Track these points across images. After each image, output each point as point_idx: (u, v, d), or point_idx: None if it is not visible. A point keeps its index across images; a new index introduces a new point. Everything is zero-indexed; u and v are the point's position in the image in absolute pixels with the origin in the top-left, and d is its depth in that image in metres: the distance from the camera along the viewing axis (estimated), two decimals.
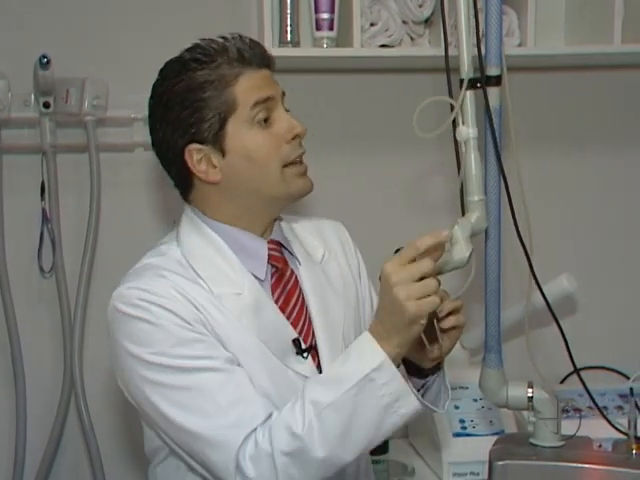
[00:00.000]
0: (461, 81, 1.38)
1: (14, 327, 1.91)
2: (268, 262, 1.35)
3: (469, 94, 1.37)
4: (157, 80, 1.34)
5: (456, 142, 1.38)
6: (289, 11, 1.80)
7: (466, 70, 1.35)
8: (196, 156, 1.30)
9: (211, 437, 1.20)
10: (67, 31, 1.87)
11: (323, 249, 1.45)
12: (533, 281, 1.45)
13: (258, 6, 1.84)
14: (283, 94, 1.35)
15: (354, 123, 2.01)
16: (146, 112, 1.86)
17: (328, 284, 1.41)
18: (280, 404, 1.26)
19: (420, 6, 1.83)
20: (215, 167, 1.30)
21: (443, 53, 1.77)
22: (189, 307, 1.25)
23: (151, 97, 1.34)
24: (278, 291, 1.36)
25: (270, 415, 1.22)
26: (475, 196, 1.34)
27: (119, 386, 1.90)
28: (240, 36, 1.32)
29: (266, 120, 1.30)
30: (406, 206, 2.04)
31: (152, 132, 1.35)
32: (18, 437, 1.92)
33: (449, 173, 1.96)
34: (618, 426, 1.58)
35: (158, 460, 1.36)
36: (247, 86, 1.28)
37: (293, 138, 1.31)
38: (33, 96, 1.87)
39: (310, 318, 1.36)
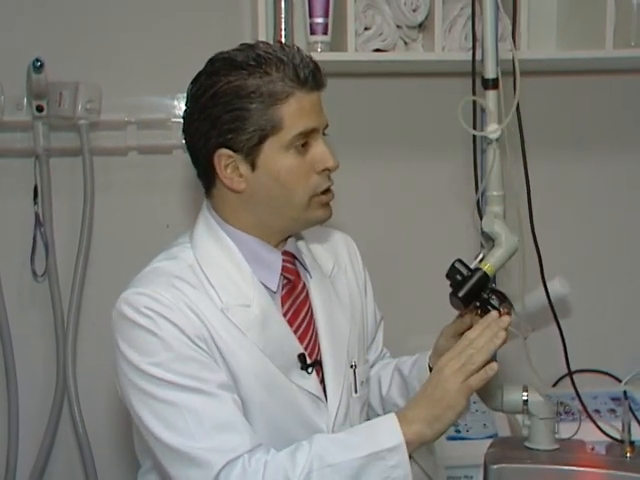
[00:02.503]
0: (485, 81, 1.45)
1: (7, 331, 1.90)
2: (281, 274, 1.33)
3: (491, 94, 1.43)
4: (204, 71, 1.28)
5: (474, 141, 1.49)
6: (283, 15, 1.80)
7: (491, 71, 1.44)
8: (225, 161, 1.27)
9: (191, 455, 1.19)
10: (60, 35, 1.87)
11: (333, 262, 1.44)
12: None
13: (252, 10, 1.84)
14: (326, 126, 1.31)
15: (347, 126, 2.01)
16: (140, 116, 1.90)
17: (336, 298, 1.40)
18: (280, 420, 1.26)
19: (414, 11, 1.84)
20: (241, 176, 1.27)
21: (438, 58, 1.80)
22: (194, 321, 1.23)
23: (194, 85, 1.29)
24: (288, 303, 1.34)
25: (257, 447, 1.20)
26: (494, 191, 1.44)
27: (112, 390, 1.90)
28: (299, 49, 1.27)
29: (303, 145, 1.27)
30: (411, 209, 2.04)
31: (187, 122, 1.30)
32: (10, 441, 1.91)
33: (451, 176, 1.99)
34: (609, 431, 1.59)
35: (145, 469, 1.37)
36: (296, 109, 1.24)
37: (324, 170, 1.29)
38: (26, 99, 1.87)
39: (317, 332, 1.35)
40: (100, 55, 1.89)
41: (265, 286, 1.31)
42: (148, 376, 1.21)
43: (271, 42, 1.78)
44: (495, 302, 1.44)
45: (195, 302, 1.25)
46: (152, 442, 1.23)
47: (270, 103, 1.23)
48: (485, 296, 1.42)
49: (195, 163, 1.33)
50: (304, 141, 1.26)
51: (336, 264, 1.45)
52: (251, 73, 1.24)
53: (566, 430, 1.57)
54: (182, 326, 1.22)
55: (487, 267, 1.44)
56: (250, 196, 1.29)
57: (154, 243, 1.93)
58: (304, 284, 1.37)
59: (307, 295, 1.36)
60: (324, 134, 1.31)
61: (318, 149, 1.28)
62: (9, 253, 1.91)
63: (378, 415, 1.44)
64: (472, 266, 1.43)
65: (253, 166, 1.27)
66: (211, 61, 1.29)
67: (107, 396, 1.94)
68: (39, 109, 1.84)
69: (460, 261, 1.44)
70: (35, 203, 1.90)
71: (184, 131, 1.32)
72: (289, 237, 1.37)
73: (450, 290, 1.44)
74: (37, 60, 1.77)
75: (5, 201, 1.90)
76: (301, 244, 1.41)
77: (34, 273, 1.92)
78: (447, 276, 1.44)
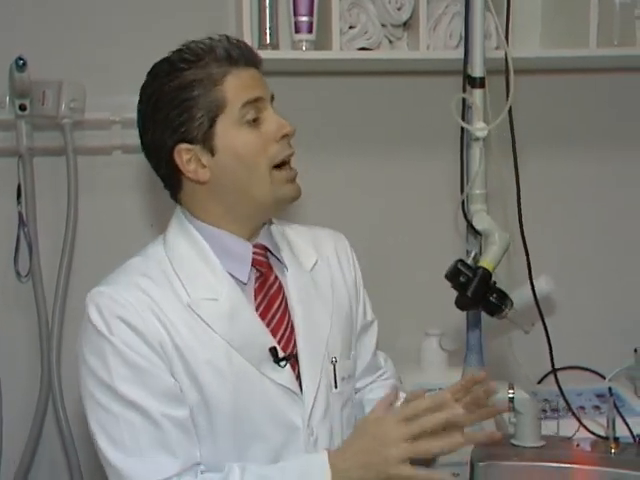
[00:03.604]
0: (471, 79, 1.47)
1: None
2: (252, 266, 1.34)
3: (478, 93, 1.44)
4: (146, 81, 1.33)
5: (462, 139, 1.49)
6: (268, 13, 1.80)
7: (478, 69, 1.46)
8: (185, 156, 1.29)
9: (119, 469, 1.23)
10: (43, 33, 1.86)
11: (315, 257, 1.44)
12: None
13: (237, 8, 1.84)
14: (272, 97, 1.34)
15: (333, 125, 2.01)
16: (124, 115, 1.88)
17: (316, 292, 1.40)
18: (250, 414, 1.28)
19: (398, 9, 1.84)
20: (204, 167, 1.30)
21: (423, 56, 1.80)
22: (152, 323, 1.25)
23: (140, 98, 1.34)
24: (260, 296, 1.35)
25: (188, 470, 1.23)
26: (477, 189, 1.46)
27: None
28: (227, 36, 1.32)
29: (255, 120, 1.30)
30: (398, 207, 2.04)
31: (141, 133, 1.34)
32: None
33: (437, 175, 1.99)
34: (593, 428, 1.60)
35: None
36: (236, 85, 1.28)
37: (282, 137, 1.31)
38: (8, 98, 1.85)
39: (292, 326, 1.35)
40: (84, 54, 1.87)
41: (236, 279, 1.32)
42: (97, 379, 1.25)
43: (255, 40, 1.81)
44: (496, 300, 1.45)
45: (158, 301, 1.27)
46: (96, 447, 1.26)
47: (211, 86, 1.28)
48: (487, 294, 1.43)
49: (156, 168, 1.36)
50: (255, 115, 1.29)
51: (319, 259, 1.44)
52: (186, 67, 1.29)
53: (551, 427, 1.58)
54: (138, 327, 1.24)
55: (487, 265, 1.45)
56: (216, 184, 1.31)
57: (138, 243, 1.92)
58: (276, 276, 1.37)
59: (280, 288, 1.36)
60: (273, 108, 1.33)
61: (270, 118, 1.31)
62: None
63: None
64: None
65: (212, 152, 1.29)
66: (149, 71, 1.34)
67: None
68: (22, 108, 1.82)
69: (462, 261, 1.45)
70: (18, 203, 1.88)
71: (141, 139, 1.35)
72: (264, 227, 1.38)
73: (448, 290, 1.45)
74: (20, 58, 1.76)
75: None
76: (279, 238, 1.41)
77: (18, 273, 1.91)
78: (447, 277, 1.45)
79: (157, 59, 1.85)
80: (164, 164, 1.32)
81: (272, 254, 1.38)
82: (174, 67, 1.30)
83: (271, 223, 1.42)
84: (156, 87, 1.30)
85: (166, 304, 1.27)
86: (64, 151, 1.86)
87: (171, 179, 1.34)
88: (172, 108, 1.28)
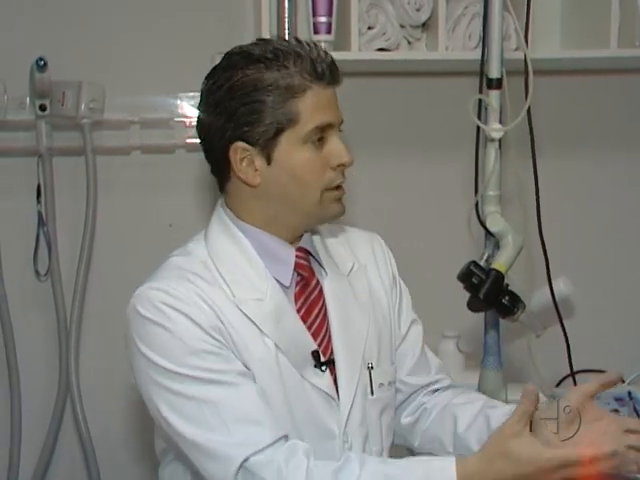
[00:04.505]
0: (488, 80, 1.42)
1: (9, 331, 1.90)
2: (294, 270, 1.33)
3: (494, 94, 1.43)
4: (220, 65, 1.28)
5: (477, 141, 1.48)
6: (287, 14, 1.80)
7: (495, 71, 1.45)
8: (240, 154, 1.26)
9: (210, 449, 1.19)
10: (64, 34, 1.87)
11: (352, 261, 1.42)
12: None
13: (256, 9, 1.84)
14: (341, 122, 1.31)
15: (350, 125, 1.99)
16: (143, 115, 1.89)
17: (354, 297, 1.38)
18: (290, 416, 1.25)
19: (417, 10, 1.83)
20: (256, 170, 1.27)
21: (442, 57, 1.80)
22: (209, 314, 1.23)
23: (209, 79, 1.29)
24: (301, 300, 1.33)
25: (280, 439, 1.18)
26: (491, 191, 1.45)
27: (115, 390, 1.91)
28: (315, 44, 1.28)
29: (320, 139, 1.27)
30: (413, 208, 2.03)
31: (203, 115, 1.30)
32: (13, 441, 1.91)
33: (453, 176, 1.98)
34: None
35: (165, 462, 1.36)
36: (313, 103, 1.24)
37: (338, 166, 1.29)
38: (29, 99, 1.86)
39: (330, 331, 1.33)
40: (103, 54, 1.88)
41: (279, 281, 1.31)
42: (164, 370, 1.21)
43: None
44: (508, 302, 1.44)
45: (210, 295, 1.24)
46: (174, 436, 1.23)
47: (287, 96, 1.23)
48: (499, 296, 1.43)
49: (209, 158, 1.33)
50: (320, 136, 1.26)
51: (356, 263, 1.42)
52: (268, 67, 1.24)
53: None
54: (196, 318, 1.22)
55: (500, 267, 1.45)
56: (264, 191, 1.28)
57: (157, 242, 1.94)
58: (318, 281, 1.35)
59: (321, 293, 1.35)
60: (340, 130, 1.31)
61: (334, 145, 1.28)
62: (12, 252, 1.90)
63: (447, 451, 1.38)
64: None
65: (269, 160, 1.27)
66: (227, 55, 1.29)
67: (110, 396, 1.94)
68: (42, 108, 1.84)
69: (475, 263, 1.44)
70: (38, 202, 1.89)
71: (198, 126, 1.32)
72: (304, 233, 1.36)
73: (461, 292, 1.44)
74: (40, 59, 1.77)
75: (8, 200, 1.90)
76: (317, 242, 1.39)
77: (37, 272, 1.92)
78: (459, 278, 1.44)
79: (176, 60, 1.90)
80: (217, 154, 1.29)
81: (313, 258, 1.36)
82: (255, 61, 1.24)
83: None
84: (231, 76, 1.25)
85: (217, 299, 1.25)
86: (83, 151, 1.87)
87: (220, 170, 1.31)
88: (242, 104, 1.24)
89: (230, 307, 1.26)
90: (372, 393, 1.35)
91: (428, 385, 1.45)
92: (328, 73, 1.26)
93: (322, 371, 1.29)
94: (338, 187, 1.31)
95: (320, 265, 1.37)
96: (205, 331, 1.22)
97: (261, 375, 1.24)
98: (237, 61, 1.26)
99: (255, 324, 1.26)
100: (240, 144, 1.26)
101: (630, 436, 1.17)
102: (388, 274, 1.45)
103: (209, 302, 1.24)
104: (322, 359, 1.30)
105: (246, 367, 1.24)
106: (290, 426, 1.25)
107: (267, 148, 1.26)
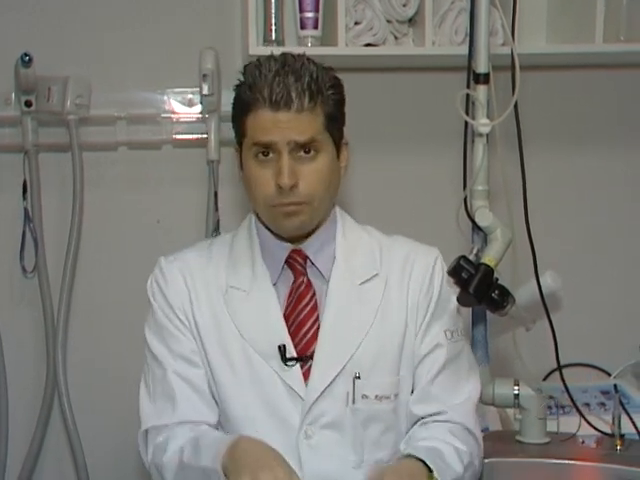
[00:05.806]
0: (476, 76, 1.46)
1: None
2: (287, 269, 1.40)
3: (482, 89, 1.44)
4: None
5: (465, 136, 1.50)
6: (274, 10, 1.80)
7: (482, 66, 1.47)
8: (236, 154, 1.42)
9: (140, 406, 1.41)
10: (49, 29, 1.86)
11: (374, 271, 1.41)
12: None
13: (242, 5, 1.84)
14: (303, 144, 1.32)
15: None
16: (129, 111, 1.89)
17: (358, 307, 1.38)
18: (251, 404, 1.35)
19: (404, 5, 1.83)
20: (242, 171, 1.41)
21: (429, 52, 1.80)
22: (183, 294, 1.39)
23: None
24: (290, 298, 1.39)
25: (182, 423, 1.35)
26: (479, 186, 1.47)
27: (102, 386, 1.92)
28: (302, 65, 1.35)
29: (265, 154, 1.34)
30: (402, 203, 2.03)
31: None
32: (0, 437, 1.90)
33: (441, 171, 1.99)
34: (598, 425, 1.60)
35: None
36: (257, 122, 1.33)
37: (276, 186, 1.33)
38: (14, 94, 1.85)
39: (317, 333, 1.37)
40: (89, 50, 1.88)
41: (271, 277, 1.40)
42: (146, 332, 1.43)
43: (260, 36, 1.81)
44: (498, 297, 1.44)
45: (197, 278, 1.40)
46: None
47: (243, 111, 1.36)
48: (489, 291, 1.43)
49: None
50: (264, 151, 1.34)
51: (379, 274, 1.41)
52: (249, 81, 1.35)
53: (556, 424, 1.58)
54: (169, 297, 1.40)
55: (489, 261, 1.45)
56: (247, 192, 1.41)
57: (144, 239, 1.94)
58: (309, 283, 1.39)
59: (313, 294, 1.39)
60: (307, 151, 1.33)
61: (277, 165, 1.33)
62: None
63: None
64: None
65: (241, 165, 1.40)
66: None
67: (97, 392, 1.94)
68: (28, 104, 1.83)
69: (465, 258, 1.44)
70: (24, 199, 1.89)
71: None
72: (313, 236, 1.40)
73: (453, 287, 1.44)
74: (25, 54, 1.76)
75: None
76: (340, 248, 1.42)
77: (23, 269, 1.91)
78: (449, 273, 1.45)
79: (163, 56, 1.90)
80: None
81: (312, 263, 1.40)
82: (245, 74, 1.36)
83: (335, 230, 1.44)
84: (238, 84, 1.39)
85: (202, 284, 1.40)
86: (69, 147, 1.86)
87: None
88: (233, 112, 1.39)
89: (212, 293, 1.39)
90: (353, 402, 1.36)
91: (429, 415, 1.41)
92: (283, 101, 1.30)
93: (287, 366, 1.34)
94: (290, 204, 1.34)
95: (319, 271, 1.40)
96: (172, 308, 1.39)
97: (219, 359, 1.37)
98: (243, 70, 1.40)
99: (228, 312, 1.38)
100: (237, 146, 1.41)
101: None
102: (422, 291, 1.42)
103: (189, 283, 1.40)
104: (290, 355, 1.35)
105: (203, 349, 1.38)
106: (240, 408, 1.36)
107: (240, 153, 1.40)
